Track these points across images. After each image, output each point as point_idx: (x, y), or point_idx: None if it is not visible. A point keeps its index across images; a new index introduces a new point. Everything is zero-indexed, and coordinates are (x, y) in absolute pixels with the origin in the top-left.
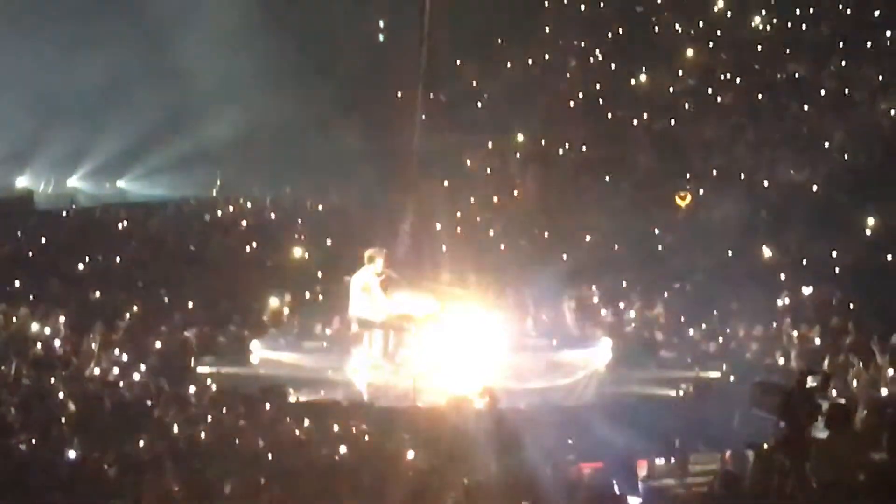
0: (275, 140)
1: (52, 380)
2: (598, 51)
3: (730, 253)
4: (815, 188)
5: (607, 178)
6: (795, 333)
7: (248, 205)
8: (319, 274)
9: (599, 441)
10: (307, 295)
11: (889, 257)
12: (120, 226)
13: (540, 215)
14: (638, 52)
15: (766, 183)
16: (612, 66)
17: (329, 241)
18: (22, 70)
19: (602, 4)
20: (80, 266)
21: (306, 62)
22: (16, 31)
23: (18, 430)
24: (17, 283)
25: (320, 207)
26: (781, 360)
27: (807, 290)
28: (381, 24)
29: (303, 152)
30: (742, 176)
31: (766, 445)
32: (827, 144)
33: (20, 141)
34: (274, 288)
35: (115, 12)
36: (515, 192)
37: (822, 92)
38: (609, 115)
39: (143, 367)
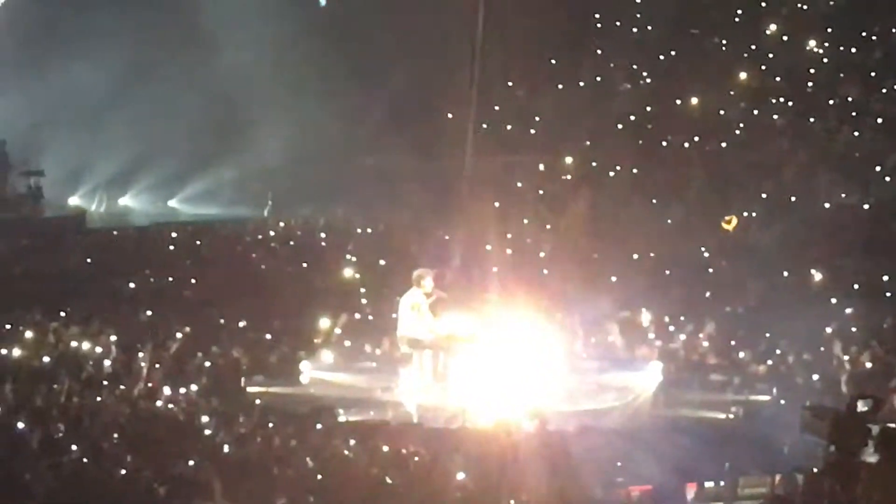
0: (326, 160)
1: (103, 398)
2: (649, 73)
3: (781, 275)
4: (866, 211)
5: (657, 201)
6: (846, 357)
7: (299, 225)
8: (369, 294)
9: (649, 464)
10: (357, 315)
11: None
12: (171, 245)
13: (590, 237)
14: (689, 75)
15: (817, 206)
16: (664, 88)
17: (379, 262)
18: (74, 90)
19: (654, 27)
20: (132, 285)
21: (358, 83)
22: (68, 52)
23: (69, 449)
24: (68, 302)
25: (369, 230)
26: (832, 384)
27: (858, 314)
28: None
29: (354, 173)
30: (793, 199)
31: (815, 469)
32: (879, 168)
33: (72, 160)
34: (324, 308)
35: (167, 33)
36: (566, 214)
37: (875, 115)
38: (660, 138)
39: (193, 387)
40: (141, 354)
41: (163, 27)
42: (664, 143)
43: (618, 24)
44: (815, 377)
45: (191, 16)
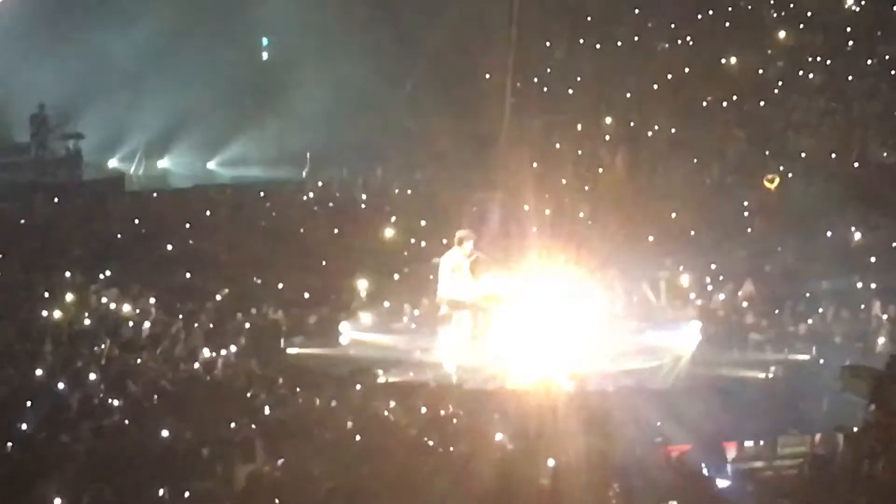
0: (365, 122)
1: (143, 361)
2: (687, 32)
3: (820, 235)
4: None
5: (696, 160)
6: (885, 316)
7: (338, 186)
8: (408, 255)
9: (688, 423)
10: (396, 276)
11: None
12: (210, 207)
13: (629, 197)
14: (727, 34)
15: (856, 164)
16: (702, 47)
17: (418, 223)
18: (113, 53)
19: None
20: (170, 248)
21: (397, 43)
22: (107, 15)
23: (110, 411)
24: (108, 265)
25: (409, 191)
26: (871, 344)
27: None
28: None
29: (393, 134)
30: (832, 157)
31: (855, 429)
32: None
33: (111, 123)
34: (363, 269)
35: None
36: (604, 174)
37: None
38: (698, 97)
39: (233, 349)
40: (181, 316)
41: None
42: (703, 103)
43: None
44: (855, 336)
45: None
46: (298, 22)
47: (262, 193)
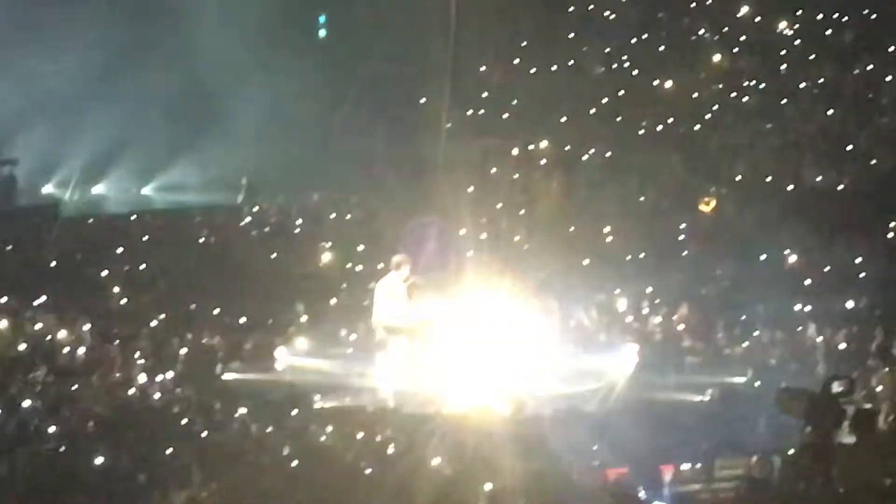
0: (301, 147)
1: (79, 387)
2: (622, 56)
3: (755, 258)
4: (840, 193)
5: (632, 184)
6: (820, 338)
7: (274, 211)
8: (345, 280)
9: (625, 447)
10: (333, 301)
11: None
12: (146, 233)
13: (565, 221)
14: (662, 58)
15: (790, 187)
16: (637, 71)
17: (355, 248)
18: (47, 79)
19: (626, 10)
20: (106, 273)
21: (332, 67)
22: (43, 40)
23: (46, 438)
24: (43, 291)
25: (345, 217)
26: (807, 366)
27: (832, 295)
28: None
29: (329, 159)
30: (767, 180)
31: (791, 451)
32: (852, 149)
33: (46, 149)
34: (300, 294)
35: (140, 21)
36: (540, 198)
37: (847, 96)
38: (633, 121)
39: (169, 375)
40: (116, 343)
41: (135, 16)
42: (638, 127)
43: (590, 7)
44: (790, 358)
45: (164, 4)
46: (233, 47)
47: (197, 219)
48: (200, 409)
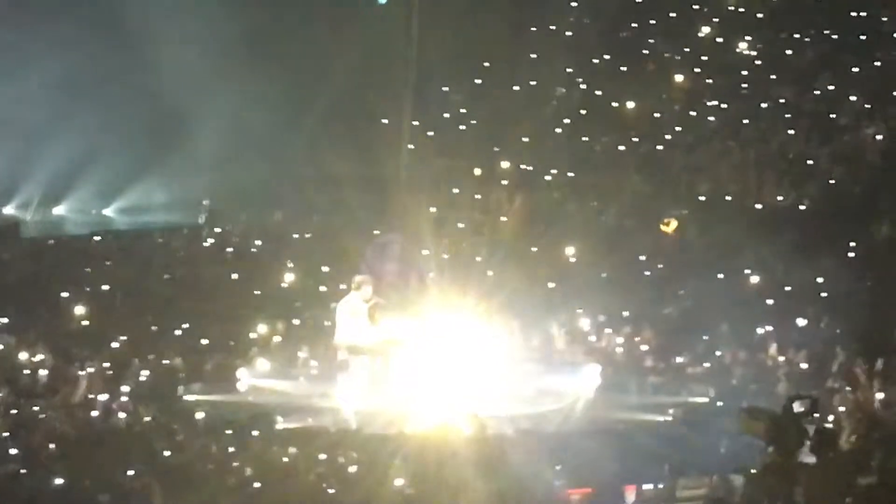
0: (262, 166)
1: (40, 408)
2: (583, 77)
3: (717, 278)
4: (801, 212)
5: (593, 204)
6: (782, 358)
7: (236, 232)
8: (307, 300)
9: (588, 467)
10: (295, 322)
11: (874, 282)
12: (107, 254)
13: (527, 241)
14: (623, 78)
15: (752, 207)
16: (598, 91)
17: (316, 268)
18: (8, 99)
19: (587, 30)
20: (67, 294)
21: (293, 88)
22: (2, 60)
23: (6, 459)
24: (3, 312)
25: (308, 234)
26: (769, 386)
27: (793, 315)
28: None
29: (290, 178)
30: (729, 200)
31: (754, 470)
32: (813, 169)
33: (6, 169)
34: (261, 315)
35: (100, 42)
36: (502, 218)
37: (808, 116)
38: (595, 141)
39: (130, 395)
40: (77, 364)
41: (95, 36)
42: (599, 147)
43: (552, 27)
44: (752, 378)
45: (124, 24)
46: (194, 68)
47: (159, 240)
48: (161, 430)
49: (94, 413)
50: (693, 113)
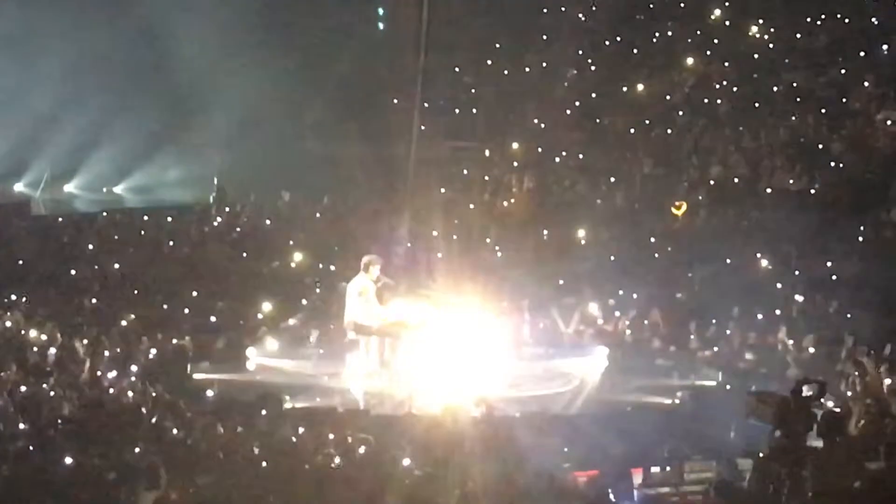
0: (272, 146)
1: (48, 386)
2: (595, 59)
3: (727, 261)
4: (812, 196)
5: (604, 187)
6: (791, 342)
7: (246, 211)
8: (316, 280)
9: (595, 449)
10: (304, 301)
11: (884, 267)
12: (116, 232)
13: (536, 223)
14: (635, 61)
15: (762, 192)
16: (609, 74)
17: (325, 248)
18: (20, 76)
19: (599, 13)
20: (76, 272)
21: (303, 68)
22: (15, 38)
23: (14, 437)
24: (13, 290)
25: (318, 214)
26: (777, 370)
27: (803, 299)
28: (379, 28)
29: (300, 159)
30: (739, 185)
31: (762, 454)
32: (824, 154)
33: (17, 147)
34: (270, 294)
35: (112, 21)
36: (512, 200)
37: (820, 101)
38: (606, 124)
39: (139, 374)
40: (86, 342)
41: (108, 16)
42: (610, 130)
43: (563, 9)
44: (761, 362)
45: (136, 5)
46: (205, 48)
47: (169, 218)
48: (170, 408)
49: (102, 391)
50: (704, 97)
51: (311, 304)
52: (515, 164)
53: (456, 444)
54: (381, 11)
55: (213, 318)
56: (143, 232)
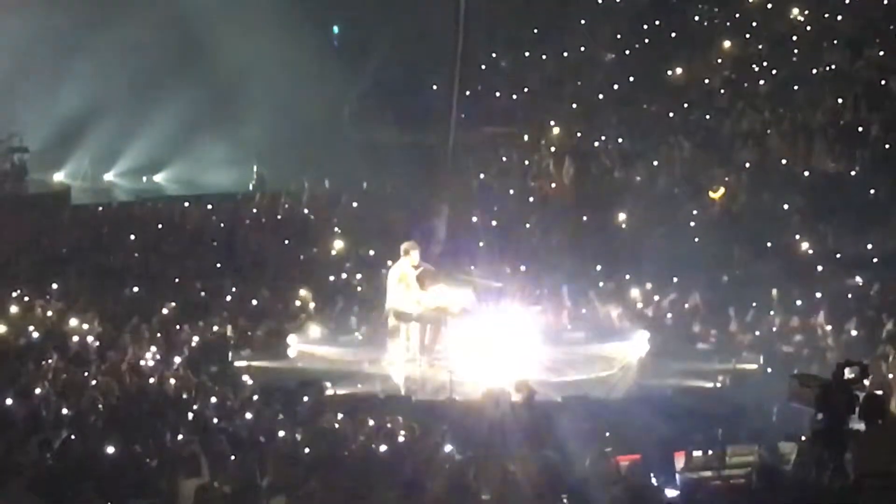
0: (311, 133)
1: (90, 374)
2: (632, 43)
3: (767, 244)
4: (852, 179)
5: (643, 171)
6: (830, 326)
7: (285, 198)
8: (356, 267)
9: (637, 433)
10: (344, 288)
11: None
12: (156, 220)
13: (576, 208)
14: (674, 44)
15: (802, 174)
16: (648, 58)
17: (365, 234)
18: (60, 66)
19: None
20: (117, 261)
21: (342, 55)
22: (54, 26)
23: (57, 426)
24: (54, 279)
25: (355, 204)
26: (818, 352)
27: (843, 281)
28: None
29: (339, 146)
30: (779, 167)
31: (804, 437)
32: (863, 135)
33: (58, 136)
34: (311, 281)
35: (150, 10)
36: (552, 185)
37: (859, 83)
38: (645, 107)
39: (180, 362)
40: (127, 330)
41: (146, 5)
42: (649, 113)
43: None
44: (802, 345)
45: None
46: (243, 36)
47: (209, 206)
48: (211, 396)
49: (144, 379)
50: (743, 80)
51: (352, 291)
52: (554, 149)
53: (497, 430)
54: None
55: (253, 306)
56: (183, 220)
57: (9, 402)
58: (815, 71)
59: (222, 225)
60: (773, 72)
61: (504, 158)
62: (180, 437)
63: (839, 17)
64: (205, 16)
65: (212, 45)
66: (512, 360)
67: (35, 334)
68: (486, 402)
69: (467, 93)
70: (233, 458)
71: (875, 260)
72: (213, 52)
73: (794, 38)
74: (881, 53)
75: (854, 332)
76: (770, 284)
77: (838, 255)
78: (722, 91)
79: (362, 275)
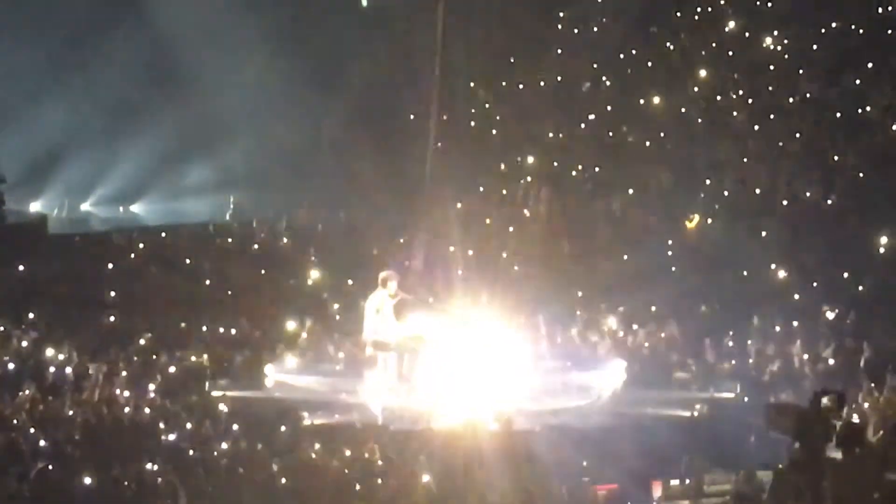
0: (288, 163)
1: (67, 405)
2: (609, 72)
3: (744, 273)
4: (828, 207)
5: (620, 200)
6: (807, 355)
7: (262, 227)
8: (333, 296)
9: (614, 462)
10: (321, 318)
11: None
12: (133, 250)
13: (553, 237)
14: (650, 74)
15: (779, 203)
16: (624, 87)
17: (343, 264)
18: (36, 95)
19: (614, 26)
20: (94, 291)
21: (319, 85)
22: (30, 56)
23: (34, 456)
24: (30, 309)
25: (332, 233)
26: (795, 381)
27: (820, 311)
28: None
29: (316, 175)
30: (755, 196)
31: (780, 466)
32: (840, 164)
33: (34, 165)
34: (288, 311)
35: (129, 37)
36: (528, 214)
37: (835, 112)
38: (621, 137)
39: (157, 392)
40: (104, 360)
41: (124, 33)
42: (625, 143)
43: (578, 23)
44: (779, 374)
45: (151, 23)
46: (221, 64)
47: (185, 236)
48: (188, 425)
49: (120, 409)
50: (719, 109)
51: (329, 320)
52: (531, 178)
53: (475, 460)
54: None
55: (230, 336)
56: (160, 249)
57: None
58: (791, 100)
59: (199, 254)
60: (750, 101)
61: (481, 188)
62: (157, 466)
63: (815, 47)
64: (181, 45)
65: (188, 75)
66: (490, 389)
67: (11, 365)
68: (464, 432)
69: (445, 120)
70: (210, 488)
71: (851, 289)
72: (189, 81)
73: (771, 67)
74: (857, 82)
75: (831, 361)
76: (747, 313)
77: (815, 284)
78: (699, 120)
79: (340, 304)
